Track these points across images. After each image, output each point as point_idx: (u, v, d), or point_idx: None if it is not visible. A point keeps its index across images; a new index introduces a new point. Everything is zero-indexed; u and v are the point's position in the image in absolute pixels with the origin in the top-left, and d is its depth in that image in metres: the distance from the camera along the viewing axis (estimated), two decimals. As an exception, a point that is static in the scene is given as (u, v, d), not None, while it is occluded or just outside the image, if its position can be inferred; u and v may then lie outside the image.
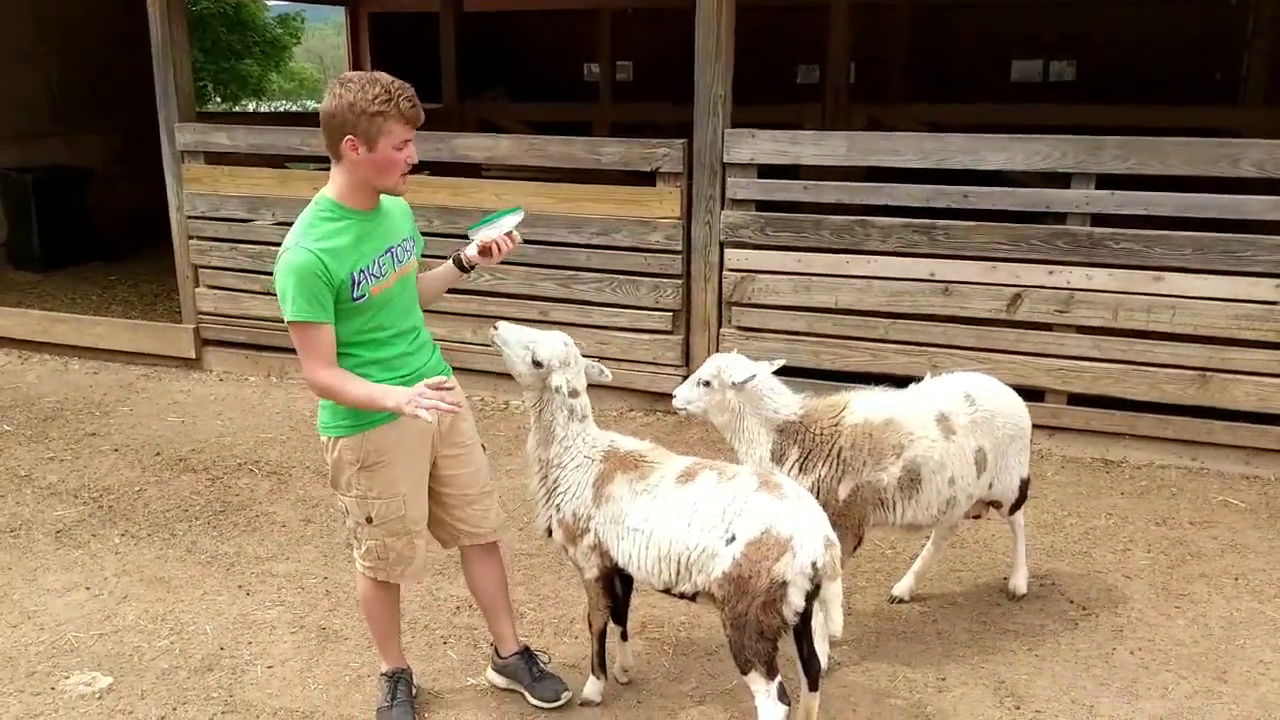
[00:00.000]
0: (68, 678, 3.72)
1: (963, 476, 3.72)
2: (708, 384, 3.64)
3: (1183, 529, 4.85)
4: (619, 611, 3.52)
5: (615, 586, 3.43)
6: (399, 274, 3.13)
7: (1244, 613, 4.11)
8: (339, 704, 3.58)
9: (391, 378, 3.11)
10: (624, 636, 3.62)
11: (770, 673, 2.96)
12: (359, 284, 2.99)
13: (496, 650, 3.66)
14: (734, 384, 3.59)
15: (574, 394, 3.27)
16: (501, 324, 3.37)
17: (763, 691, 2.97)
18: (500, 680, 3.65)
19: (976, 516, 4.09)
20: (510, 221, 3.31)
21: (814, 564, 2.88)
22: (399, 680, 3.49)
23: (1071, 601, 4.19)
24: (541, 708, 3.51)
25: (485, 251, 3.31)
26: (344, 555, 4.62)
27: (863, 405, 3.71)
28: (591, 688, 3.54)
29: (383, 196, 3.13)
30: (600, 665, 3.53)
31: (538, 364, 3.26)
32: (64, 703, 3.58)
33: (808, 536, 2.90)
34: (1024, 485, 4.00)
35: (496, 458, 5.01)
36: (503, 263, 3.41)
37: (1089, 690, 3.61)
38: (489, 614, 3.63)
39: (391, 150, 2.93)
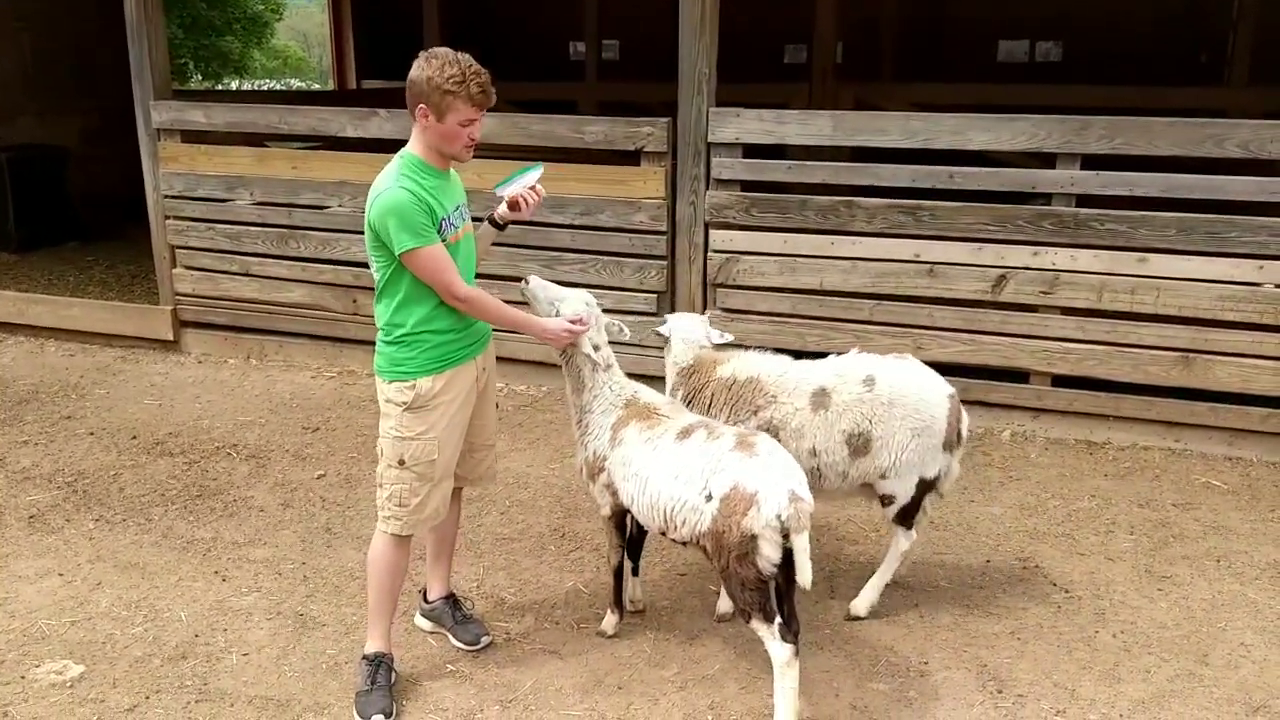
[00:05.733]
0: (38, 666, 3.66)
1: (828, 451, 3.71)
2: (667, 340, 4.03)
3: (1165, 511, 4.84)
4: (632, 550, 3.83)
5: (627, 526, 3.71)
6: (463, 231, 3.42)
7: (1226, 595, 4.11)
8: (315, 691, 3.53)
9: (454, 326, 3.36)
10: (635, 572, 3.92)
11: (767, 617, 3.09)
12: (444, 230, 3.27)
13: (424, 596, 3.88)
14: (669, 350, 4.00)
15: (595, 348, 3.56)
16: (533, 279, 3.69)
17: (766, 634, 3.12)
18: (426, 625, 3.88)
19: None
20: (532, 177, 3.58)
21: (779, 517, 2.98)
22: (380, 665, 3.46)
23: (1054, 584, 4.18)
24: (462, 649, 3.74)
25: (514, 206, 3.59)
26: (322, 540, 4.57)
27: (740, 362, 3.91)
28: (608, 621, 3.82)
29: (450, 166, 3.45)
30: (617, 601, 3.81)
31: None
32: (34, 692, 3.52)
33: (772, 490, 3.02)
34: (923, 487, 3.76)
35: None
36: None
37: (1071, 673, 3.60)
38: (435, 554, 3.83)
39: (456, 125, 3.20)
